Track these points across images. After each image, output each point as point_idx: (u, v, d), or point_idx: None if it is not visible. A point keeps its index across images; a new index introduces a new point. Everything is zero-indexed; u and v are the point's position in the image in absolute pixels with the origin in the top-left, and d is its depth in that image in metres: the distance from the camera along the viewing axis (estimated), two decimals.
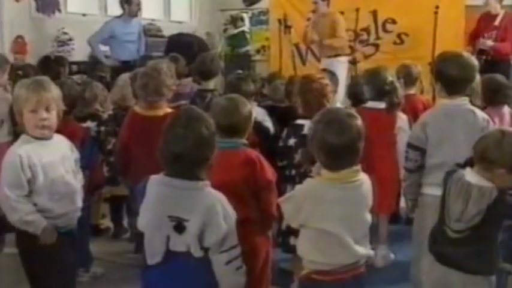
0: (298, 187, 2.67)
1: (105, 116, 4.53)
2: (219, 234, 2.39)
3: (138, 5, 7.61)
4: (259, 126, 3.96)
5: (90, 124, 4.36)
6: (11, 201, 2.78)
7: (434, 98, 5.47)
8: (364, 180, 2.55)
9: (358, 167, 2.50)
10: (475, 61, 3.24)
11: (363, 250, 2.53)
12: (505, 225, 2.69)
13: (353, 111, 2.67)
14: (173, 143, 2.37)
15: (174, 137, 2.37)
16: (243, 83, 4.16)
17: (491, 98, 4.11)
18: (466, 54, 3.35)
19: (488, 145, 2.55)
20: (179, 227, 2.39)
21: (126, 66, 6.56)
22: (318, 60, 7.79)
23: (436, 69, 3.27)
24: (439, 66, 3.23)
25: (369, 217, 2.57)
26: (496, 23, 6.79)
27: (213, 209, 2.38)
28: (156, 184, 2.47)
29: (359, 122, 2.48)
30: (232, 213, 2.45)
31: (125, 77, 4.64)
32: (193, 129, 2.38)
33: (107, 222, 4.82)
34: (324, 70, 5.50)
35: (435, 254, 2.72)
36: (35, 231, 2.81)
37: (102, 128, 4.45)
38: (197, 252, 2.40)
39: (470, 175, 2.57)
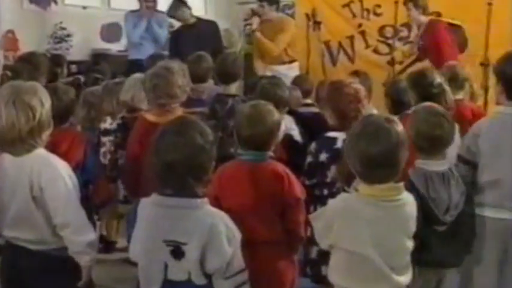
0: (330, 202, 2.73)
1: (105, 125, 4.64)
2: (223, 257, 2.42)
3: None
4: (289, 139, 3.99)
5: None
6: (86, 218, 2.87)
7: (486, 105, 5.46)
8: (408, 200, 2.57)
9: (401, 184, 2.53)
10: None
11: (404, 279, 2.54)
12: None
13: (394, 117, 2.70)
14: (164, 151, 2.43)
15: (165, 145, 2.44)
16: (277, 89, 4.15)
17: None
18: None
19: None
20: (177, 252, 2.42)
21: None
22: (351, 60, 7.82)
23: (498, 70, 3.26)
24: (503, 67, 3.24)
25: (410, 244, 2.59)
26: None
27: (215, 229, 2.41)
28: (147, 206, 2.52)
29: (400, 128, 2.51)
30: (237, 233, 2.49)
31: (136, 77, 4.71)
32: (185, 137, 2.44)
33: (123, 241, 4.84)
34: (356, 72, 5.50)
35: (428, 262, 2.85)
36: (90, 260, 2.87)
37: (105, 139, 4.53)
38: (199, 280, 2.43)
39: (431, 166, 2.83)
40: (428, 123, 3.00)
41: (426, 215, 2.79)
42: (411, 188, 2.77)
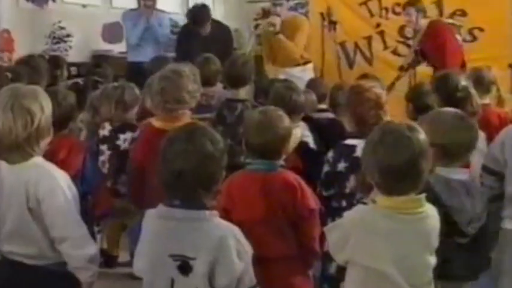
0: (346, 214, 2.69)
1: (103, 132, 4.66)
2: (233, 273, 2.41)
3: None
4: (304, 148, 4.00)
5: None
6: (86, 231, 2.84)
7: None
8: (430, 213, 2.55)
9: (422, 196, 2.51)
10: None
11: None
12: None
13: (415, 124, 2.69)
14: (172, 160, 2.43)
15: (173, 153, 2.44)
16: (293, 93, 4.17)
17: None
18: None
19: None
20: (184, 267, 2.42)
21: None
22: (369, 62, 7.82)
23: None
24: None
25: (432, 260, 2.57)
26: None
27: (224, 243, 2.41)
28: (153, 218, 2.52)
29: (422, 136, 2.50)
30: (248, 248, 2.49)
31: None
32: (195, 144, 2.44)
33: (125, 255, 4.88)
34: (366, 76, 5.50)
35: (446, 276, 2.80)
36: (91, 276, 2.83)
37: (103, 147, 4.56)
38: None
39: (454, 174, 2.83)
40: (459, 130, 2.96)
41: (447, 225, 2.75)
42: (432, 196, 2.74)
